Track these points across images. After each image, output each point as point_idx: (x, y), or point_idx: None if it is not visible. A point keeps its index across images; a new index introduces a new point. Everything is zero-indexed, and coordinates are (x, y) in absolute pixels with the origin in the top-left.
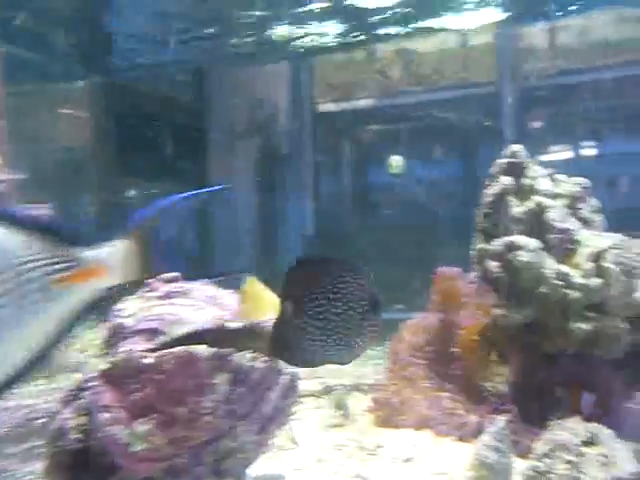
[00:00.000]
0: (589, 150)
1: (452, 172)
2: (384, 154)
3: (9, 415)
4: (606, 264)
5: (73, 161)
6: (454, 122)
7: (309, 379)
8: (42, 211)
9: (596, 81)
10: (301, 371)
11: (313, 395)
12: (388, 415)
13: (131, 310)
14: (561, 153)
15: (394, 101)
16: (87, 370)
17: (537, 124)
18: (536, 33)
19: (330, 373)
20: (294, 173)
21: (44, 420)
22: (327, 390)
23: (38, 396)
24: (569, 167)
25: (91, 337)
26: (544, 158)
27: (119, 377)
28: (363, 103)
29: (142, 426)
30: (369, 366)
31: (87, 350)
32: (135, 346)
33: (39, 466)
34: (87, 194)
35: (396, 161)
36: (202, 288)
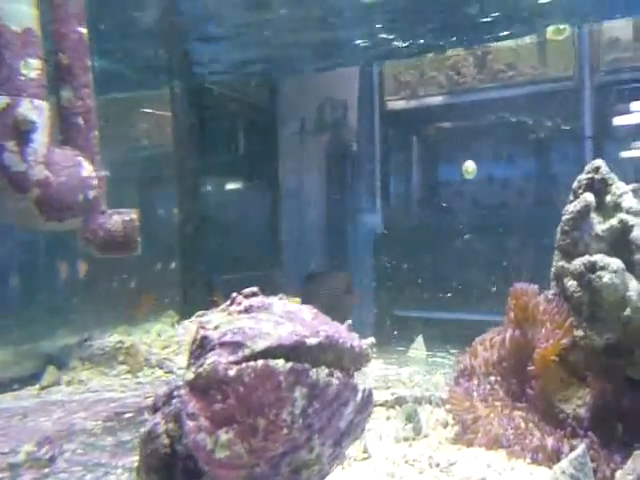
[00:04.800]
0: None
1: (527, 171)
2: (454, 152)
3: (103, 407)
4: None
5: (158, 159)
6: (529, 119)
7: (380, 389)
8: (131, 216)
9: None
10: (373, 381)
11: (384, 405)
12: (460, 432)
13: (216, 322)
14: None
15: (466, 98)
16: (168, 366)
17: (618, 120)
18: (617, 26)
19: (401, 383)
20: (364, 170)
21: (131, 415)
22: (398, 401)
23: (124, 390)
24: None
25: (171, 334)
26: (626, 155)
27: (203, 387)
28: (434, 100)
29: (225, 435)
30: (439, 374)
31: (169, 346)
32: (219, 358)
33: (127, 461)
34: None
35: (470, 166)
36: (281, 303)
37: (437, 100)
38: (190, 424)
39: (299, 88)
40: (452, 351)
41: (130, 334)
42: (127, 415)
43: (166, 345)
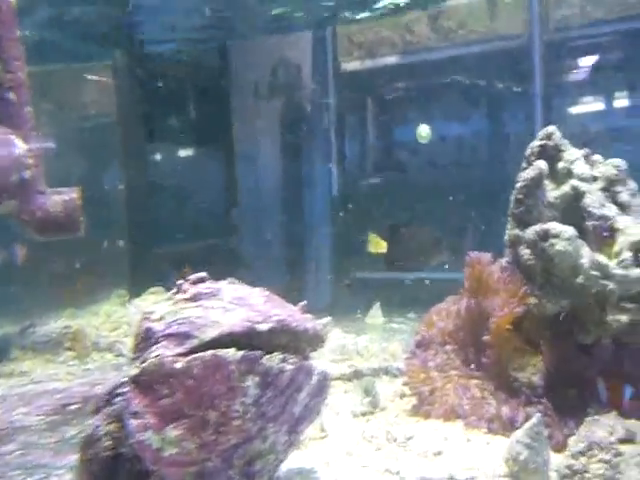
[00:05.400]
0: (622, 101)
1: (479, 129)
2: (408, 112)
3: (47, 400)
4: None
5: (102, 129)
6: (481, 77)
7: (338, 361)
8: (71, 195)
9: (627, 31)
10: (330, 352)
11: (341, 379)
12: (418, 404)
13: (160, 313)
14: (593, 105)
15: (419, 58)
16: (118, 348)
17: (567, 77)
18: None
19: (358, 354)
20: (319, 133)
21: (78, 406)
22: (356, 374)
23: (71, 379)
24: (601, 119)
25: (121, 314)
26: (575, 111)
27: (149, 382)
28: (388, 60)
29: (173, 431)
30: (396, 342)
31: (119, 328)
32: (165, 351)
33: (72, 459)
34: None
35: (424, 130)
36: (231, 288)
37: (390, 60)
38: (134, 423)
39: (251, 52)
40: (409, 315)
41: (77, 317)
42: (73, 407)
43: (116, 327)
